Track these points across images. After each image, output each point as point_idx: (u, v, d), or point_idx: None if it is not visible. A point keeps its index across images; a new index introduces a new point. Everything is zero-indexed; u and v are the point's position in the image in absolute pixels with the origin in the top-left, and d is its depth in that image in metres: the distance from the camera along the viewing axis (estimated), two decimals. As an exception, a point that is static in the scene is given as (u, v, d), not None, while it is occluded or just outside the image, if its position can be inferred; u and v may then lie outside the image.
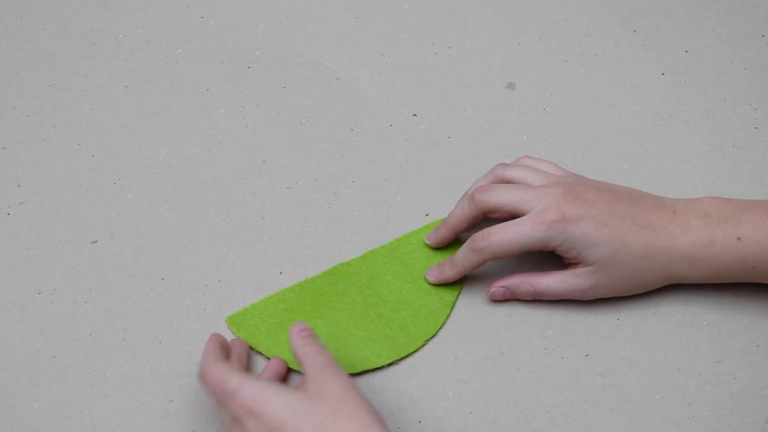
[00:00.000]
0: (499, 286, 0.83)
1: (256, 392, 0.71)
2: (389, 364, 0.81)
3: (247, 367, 0.80)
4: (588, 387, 0.80)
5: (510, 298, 0.84)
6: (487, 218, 0.85)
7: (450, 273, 0.84)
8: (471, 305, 0.84)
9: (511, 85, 0.98)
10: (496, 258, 0.81)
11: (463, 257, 0.82)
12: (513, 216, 0.81)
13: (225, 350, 0.79)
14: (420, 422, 0.79)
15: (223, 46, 1.01)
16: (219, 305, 0.85)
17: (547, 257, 0.83)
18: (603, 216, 0.79)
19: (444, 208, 0.89)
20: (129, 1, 1.05)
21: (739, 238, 0.78)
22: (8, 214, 0.90)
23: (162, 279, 0.86)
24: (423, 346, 0.82)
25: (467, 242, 0.82)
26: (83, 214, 0.90)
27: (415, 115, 0.96)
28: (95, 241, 0.88)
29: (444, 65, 1.00)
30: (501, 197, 0.82)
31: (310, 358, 0.73)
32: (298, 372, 0.81)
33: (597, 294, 0.82)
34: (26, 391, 0.80)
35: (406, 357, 0.81)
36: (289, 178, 0.92)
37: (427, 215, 0.89)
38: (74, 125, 0.96)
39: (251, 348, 0.82)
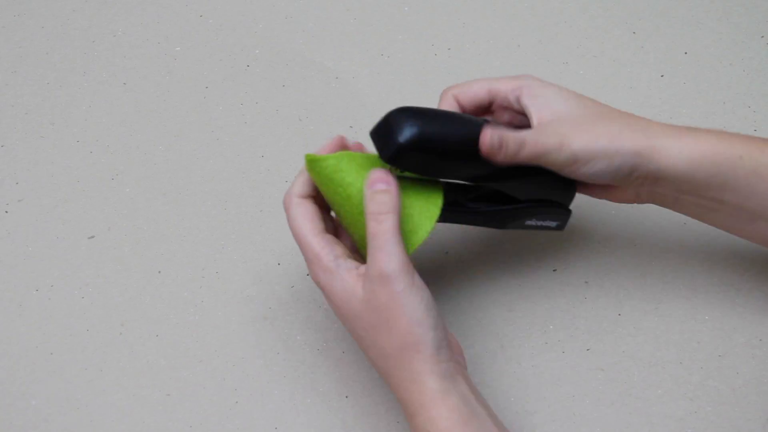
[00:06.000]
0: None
1: (327, 282, 0.72)
2: None
3: None
4: (589, 381, 0.80)
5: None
6: None
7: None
8: (471, 298, 0.84)
9: (510, 87, 0.98)
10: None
11: None
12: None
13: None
14: (420, 417, 0.78)
15: (221, 45, 1.01)
16: (216, 297, 0.84)
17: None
18: None
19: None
20: None
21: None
22: (6, 212, 0.90)
23: (159, 272, 0.86)
24: None
25: None
26: (81, 210, 0.90)
27: (414, 114, 0.96)
28: (92, 236, 0.88)
29: (443, 66, 1.00)
30: None
31: (371, 235, 0.70)
32: None
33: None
34: (24, 389, 0.80)
35: None
36: (288, 172, 0.92)
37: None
38: (72, 122, 0.95)
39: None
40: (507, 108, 0.77)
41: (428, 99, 0.96)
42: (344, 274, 0.71)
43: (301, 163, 0.92)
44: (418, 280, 0.70)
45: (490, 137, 0.71)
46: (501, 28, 1.03)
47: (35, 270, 0.86)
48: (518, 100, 0.76)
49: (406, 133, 0.70)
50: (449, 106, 0.77)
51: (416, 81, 0.98)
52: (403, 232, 0.72)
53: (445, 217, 0.75)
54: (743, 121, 0.95)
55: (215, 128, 0.95)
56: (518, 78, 0.77)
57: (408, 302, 0.69)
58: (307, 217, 0.74)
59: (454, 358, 0.71)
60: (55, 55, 1.00)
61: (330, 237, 0.73)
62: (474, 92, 0.77)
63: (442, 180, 0.75)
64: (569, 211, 0.79)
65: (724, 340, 0.81)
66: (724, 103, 0.96)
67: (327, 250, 0.72)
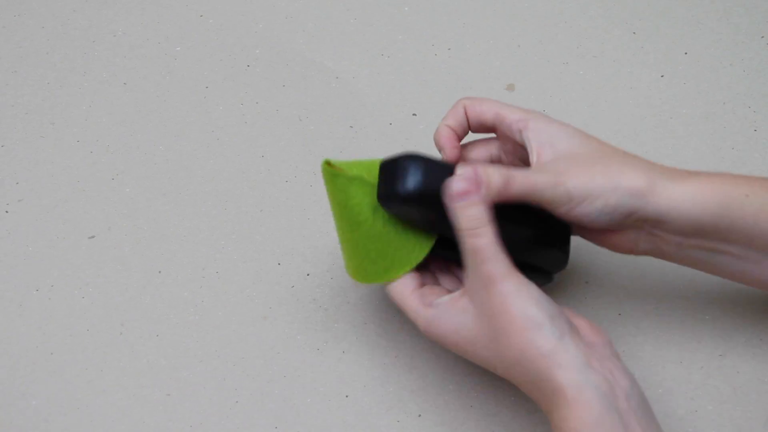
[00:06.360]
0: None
1: (435, 330, 0.72)
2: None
3: None
4: (589, 382, 0.80)
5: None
6: None
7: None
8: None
9: (510, 87, 0.98)
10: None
11: None
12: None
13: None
14: (420, 416, 0.78)
15: (222, 45, 1.01)
16: (216, 297, 0.84)
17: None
18: None
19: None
20: None
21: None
22: (6, 211, 0.90)
23: (159, 272, 0.86)
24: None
25: None
26: (81, 210, 0.90)
27: (414, 114, 0.96)
28: (93, 236, 0.88)
29: (444, 66, 1.00)
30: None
31: (471, 251, 0.69)
32: None
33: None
34: (24, 389, 0.80)
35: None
36: (288, 172, 0.92)
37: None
38: (72, 122, 0.95)
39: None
40: (510, 138, 0.77)
41: (428, 99, 0.97)
42: (443, 311, 0.72)
43: (301, 163, 0.93)
44: (524, 279, 0.69)
45: (457, 182, 0.69)
46: (501, 28, 1.03)
47: (35, 270, 0.86)
48: (521, 133, 0.75)
49: (409, 183, 0.70)
50: (458, 114, 0.77)
51: (416, 81, 0.98)
52: (400, 256, 0.74)
53: (435, 251, 0.75)
54: (743, 121, 0.95)
55: (215, 128, 0.95)
56: (526, 111, 0.76)
57: (518, 301, 0.68)
58: (404, 281, 0.74)
59: (584, 343, 0.69)
60: (55, 55, 1.00)
61: (419, 291, 0.74)
62: (482, 110, 0.77)
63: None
64: (551, 279, 0.78)
65: (725, 340, 0.81)
66: (724, 103, 0.96)
67: (422, 305, 0.73)
